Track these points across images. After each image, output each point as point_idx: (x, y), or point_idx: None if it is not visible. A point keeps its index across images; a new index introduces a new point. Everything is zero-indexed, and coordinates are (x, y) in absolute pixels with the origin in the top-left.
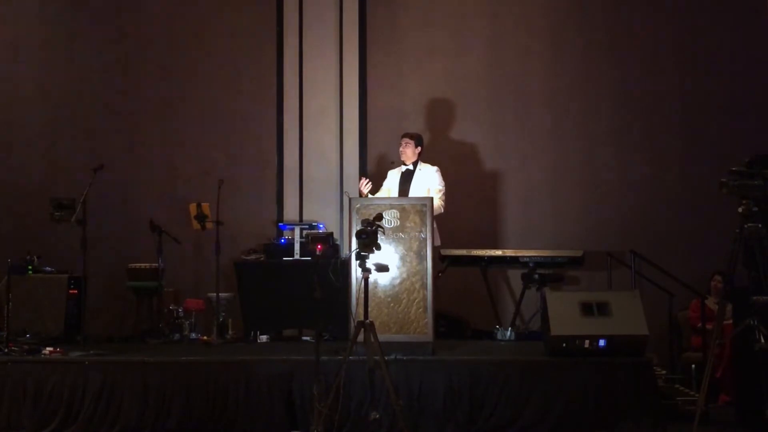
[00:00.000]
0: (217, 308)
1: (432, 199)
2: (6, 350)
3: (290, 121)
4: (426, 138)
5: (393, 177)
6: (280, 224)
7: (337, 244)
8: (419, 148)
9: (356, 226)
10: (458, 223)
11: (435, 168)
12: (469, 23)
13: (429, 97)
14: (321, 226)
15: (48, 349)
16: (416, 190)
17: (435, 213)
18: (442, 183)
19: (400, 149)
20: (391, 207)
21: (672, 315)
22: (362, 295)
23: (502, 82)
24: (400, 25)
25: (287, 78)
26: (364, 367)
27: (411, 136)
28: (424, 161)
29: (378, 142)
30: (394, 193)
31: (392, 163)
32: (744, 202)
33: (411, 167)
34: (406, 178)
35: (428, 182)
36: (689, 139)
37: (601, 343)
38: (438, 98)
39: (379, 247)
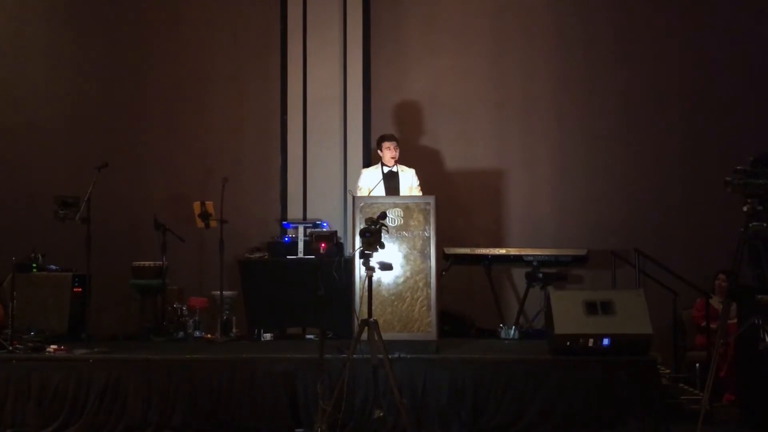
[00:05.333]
0: (221, 306)
1: (435, 198)
2: (10, 348)
3: (294, 119)
4: (429, 137)
5: (373, 177)
6: (284, 223)
7: (340, 243)
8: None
9: (360, 225)
10: (462, 222)
11: (413, 170)
12: (472, 22)
13: (433, 96)
14: (325, 224)
15: (52, 346)
16: (403, 189)
17: None
18: (419, 185)
19: (389, 153)
20: (395, 206)
21: (676, 314)
22: (366, 294)
23: (506, 80)
24: (403, 25)
25: (291, 77)
26: (367, 365)
27: (396, 138)
28: (406, 161)
29: None
30: (377, 192)
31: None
32: (748, 200)
33: (394, 168)
34: (392, 179)
35: (410, 182)
36: (694, 137)
37: (605, 342)
38: (442, 97)
39: (382, 246)
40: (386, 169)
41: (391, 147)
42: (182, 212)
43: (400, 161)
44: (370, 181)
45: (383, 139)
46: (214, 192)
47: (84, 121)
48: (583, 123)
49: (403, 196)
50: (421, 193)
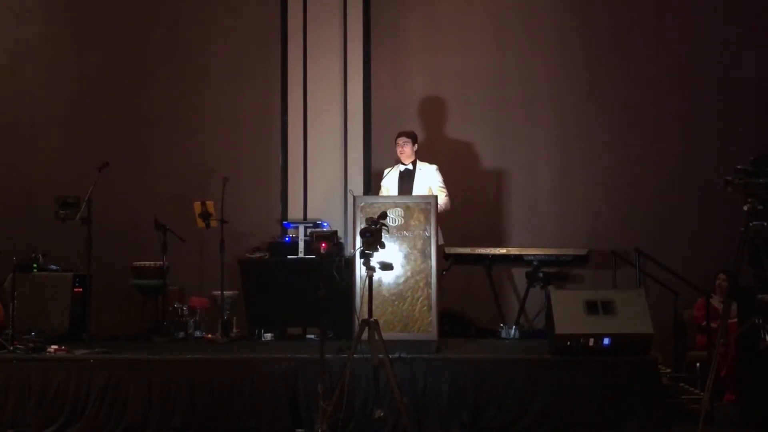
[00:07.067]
0: (221, 306)
1: (436, 197)
2: (11, 348)
3: (294, 119)
4: (430, 136)
5: (390, 176)
6: (284, 222)
7: (341, 243)
8: (416, 146)
9: (360, 225)
10: (463, 222)
11: (435, 166)
12: (473, 22)
13: (433, 95)
14: (325, 224)
15: (53, 347)
16: (418, 188)
17: (441, 210)
18: (443, 181)
19: (398, 149)
20: (396, 205)
21: (677, 314)
22: (366, 294)
23: (507, 80)
24: (404, 24)
25: (291, 77)
26: (368, 365)
27: (408, 135)
28: (421, 159)
29: (382, 141)
30: (393, 192)
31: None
32: (749, 200)
33: (410, 166)
34: (407, 177)
35: (429, 181)
36: (694, 137)
37: (606, 341)
38: (442, 96)
39: (383, 246)
40: (403, 168)
41: (399, 143)
42: (183, 212)
43: (422, 158)
44: (388, 180)
45: (396, 136)
46: (214, 192)
47: (84, 121)
48: (584, 122)
49: (404, 196)
50: (444, 192)
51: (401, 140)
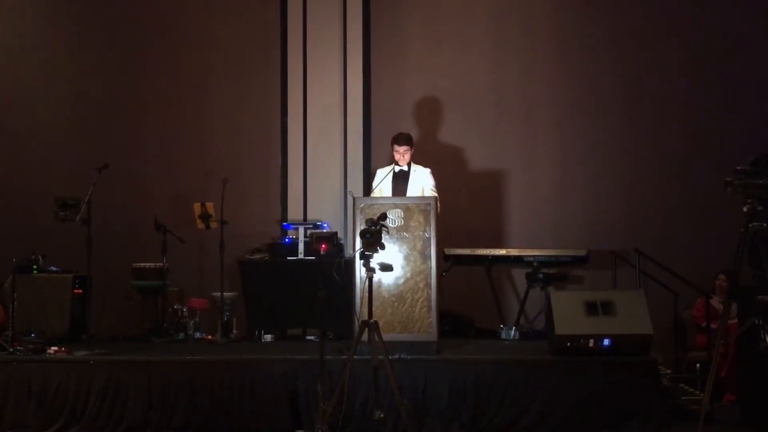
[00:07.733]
0: (221, 307)
1: (436, 198)
2: (11, 349)
3: (294, 120)
4: (430, 136)
5: (384, 177)
6: (284, 224)
7: (341, 244)
8: (412, 148)
9: (360, 226)
10: (462, 223)
11: (429, 170)
12: (473, 22)
13: (433, 95)
14: (325, 225)
15: (53, 348)
16: (412, 190)
17: None
18: (435, 185)
19: (398, 156)
20: (395, 206)
21: (677, 314)
22: (366, 295)
23: (507, 80)
24: (404, 24)
25: (291, 77)
26: (368, 366)
27: (407, 141)
28: (420, 160)
29: (382, 141)
30: (387, 193)
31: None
32: (749, 201)
33: (405, 167)
34: (402, 179)
35: (423, 183)
36: (694, 138)
37: (606, 342)
38: (442, 97)
39: (383, 247)
40: (398, 169)
41: (400, 150)
42: (182, 213)
43: (416, 160)
44: (381, 184)
45: (392, 141)
46: (214, 193)
47: (84, 121)
48: (583, 123)
49: (403, 197)
50: (435, 194)
51: (402, 148)
